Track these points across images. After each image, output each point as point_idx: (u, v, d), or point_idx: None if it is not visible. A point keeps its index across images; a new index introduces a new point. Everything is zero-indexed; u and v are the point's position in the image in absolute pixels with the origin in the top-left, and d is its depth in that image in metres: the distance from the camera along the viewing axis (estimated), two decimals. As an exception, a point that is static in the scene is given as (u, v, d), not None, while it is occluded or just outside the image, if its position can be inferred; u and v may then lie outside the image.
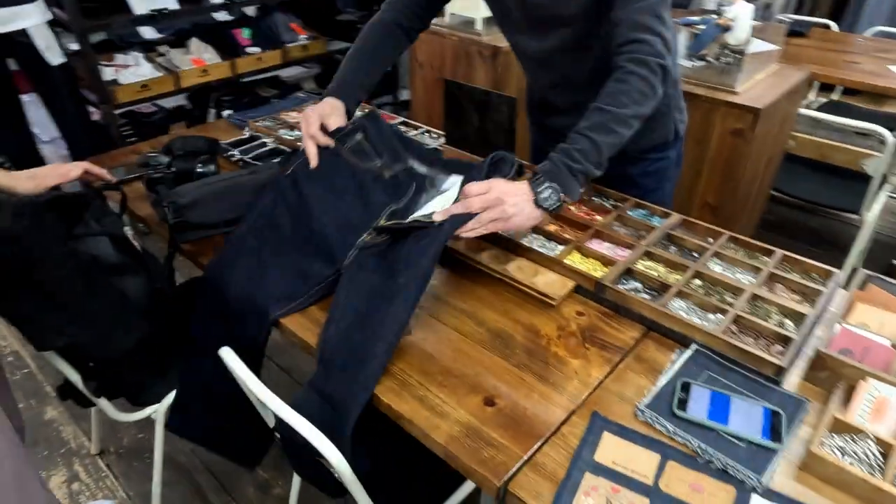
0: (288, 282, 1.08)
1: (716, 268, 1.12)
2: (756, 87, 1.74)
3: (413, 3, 1.32)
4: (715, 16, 1.72)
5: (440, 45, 2.37)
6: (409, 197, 1.16)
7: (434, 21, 1.39)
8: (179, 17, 2.67)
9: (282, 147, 1.58)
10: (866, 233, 2.24)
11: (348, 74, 1.31)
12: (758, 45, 2.03)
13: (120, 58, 2.71)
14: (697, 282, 1.08)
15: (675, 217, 1.24)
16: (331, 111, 1.26)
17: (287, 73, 3.59)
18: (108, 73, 2.60)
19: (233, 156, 1.54)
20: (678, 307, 1.03)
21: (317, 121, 1.22)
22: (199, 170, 1.40)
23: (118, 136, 2.61)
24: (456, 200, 1.08)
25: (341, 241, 1.11)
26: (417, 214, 1.14)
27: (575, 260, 1.15)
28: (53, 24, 2.23)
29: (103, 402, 1.29)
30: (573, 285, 1.09)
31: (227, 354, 0.99)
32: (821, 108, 2.92)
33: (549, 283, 1.09)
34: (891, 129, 2.86)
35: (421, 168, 1.21)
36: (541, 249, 1.16)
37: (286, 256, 1.12)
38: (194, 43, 2.90)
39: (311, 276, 1.08)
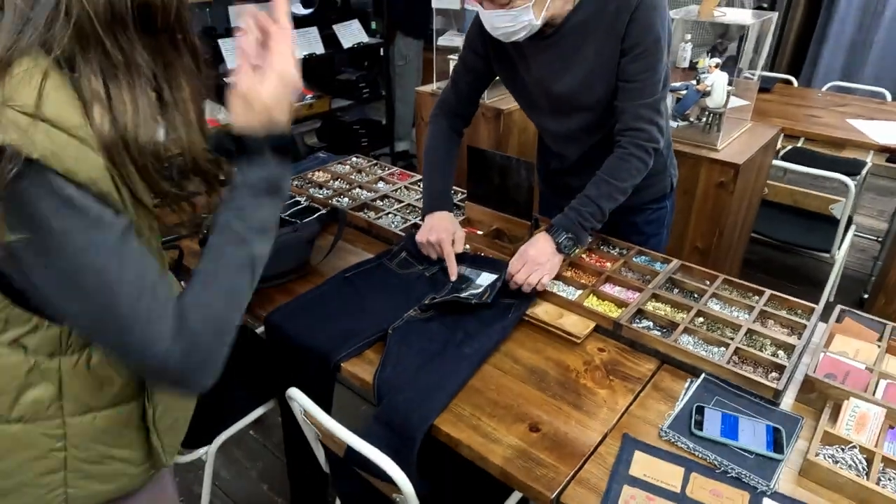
0: (343, 333, 1.22)
1: (715, 307, 1.29)
2: (734, 143, 1.97)
3: (459, 103, 1.54)
4: (695, 82, 1.96)
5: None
6: (448, 289, 1.34)
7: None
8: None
9: (314, 205, 1.74)
10: (837, 270, 2.46)
11: (440, 186, 1.50)
12: (733, 101, 2.28)
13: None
14: (700, 319, 1.25)
15: (675, 262, 1.42)
16: (452, 226, 1.42)
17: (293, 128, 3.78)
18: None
19: (271, 214, 1.69)
20: (686, 342, 1.19)
21: (450, 238, 1.39)
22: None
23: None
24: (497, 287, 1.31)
25: (391, 314, 1.27)
26: (457, 295, 1.32)
27: (593, 302, 1.31)
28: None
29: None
30: (594, 325, 1.25)
31: (296, 393, 1.12)
32: (787, 153, 3.21)
33: (573, 323, 1.25)
34: (851, 174, 3.15)
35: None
36: (561, 294, 1.33)
37: (339, 321, 1.27)
38: (207, 104, 3.06)
39: (359, 332, 1.23)
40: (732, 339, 1.17)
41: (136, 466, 0.84)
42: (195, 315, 0.71)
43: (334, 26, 3.47)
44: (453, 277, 1.37)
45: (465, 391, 1.10)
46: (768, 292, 1.31)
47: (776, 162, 2.27)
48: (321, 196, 1.79)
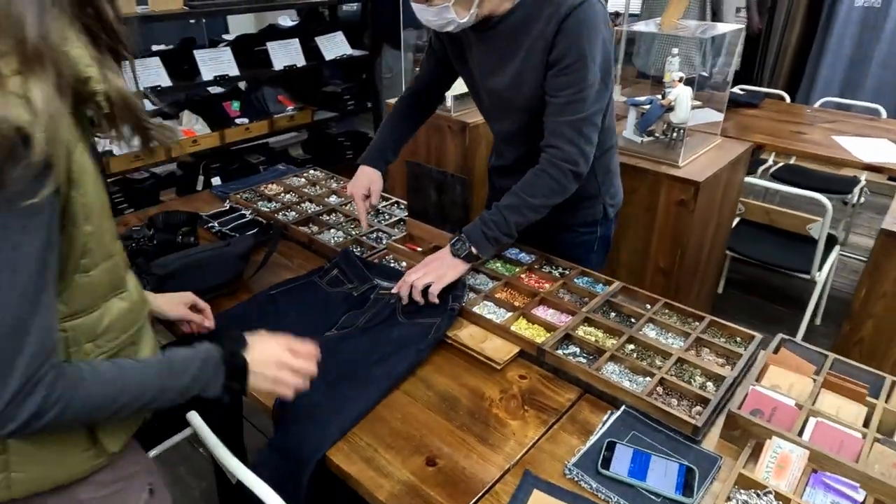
0: None
1: (650, 333, 1.22)
2: (698, 160, 1.90)
3: (423, 85, 1.60)
4: (660, 97, 1.89)
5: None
6: (372, 306, 1.29)
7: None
8: (172, 93, 2.84)
9: (258, 219, 1.70)
10: (817, 292, 2.36)
11: (378, 143, 1.59)
12: (706, 116, 2.21)
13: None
14: (631, 346, 1.18)
15: (615, 284, 1.35)
16: (368, 181, 1.53)
17: (275, 139, 3.78)
18: (103, 144, 2.75)
19: (213, 227, 1.66)
20: (611, 371, 1.12)
21: (362, 191, 1.51)
22: (179, 241, 1.52)
23: (111, 205, 2.72)
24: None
25: (308, 334, 1.21)
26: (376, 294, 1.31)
27: (521, 326, 1.24)
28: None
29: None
30: (517, 350, 1.18)
31: (194, 418, 1.06)
32: (778, 171, 3.12)
33: (496, 348, 1.19)
34: (843, 192, 3.05)
35: (384, 283, 1.36)
36: (490, 316, 1.26)
37: None
38: (186, 115, 3.07)
39: None
40: (660, 367, 1.10)
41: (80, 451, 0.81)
42: (69, 393, 0.70)
43: (317, 38, 3.46)
44: (363, 225, 1.54)
45: (368, 419, 1.04)
46: (708, 318, 1.24)
47: (748, 179, 2.18)
48: (267, 210, 1.75)
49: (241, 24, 4.45)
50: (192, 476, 1.94)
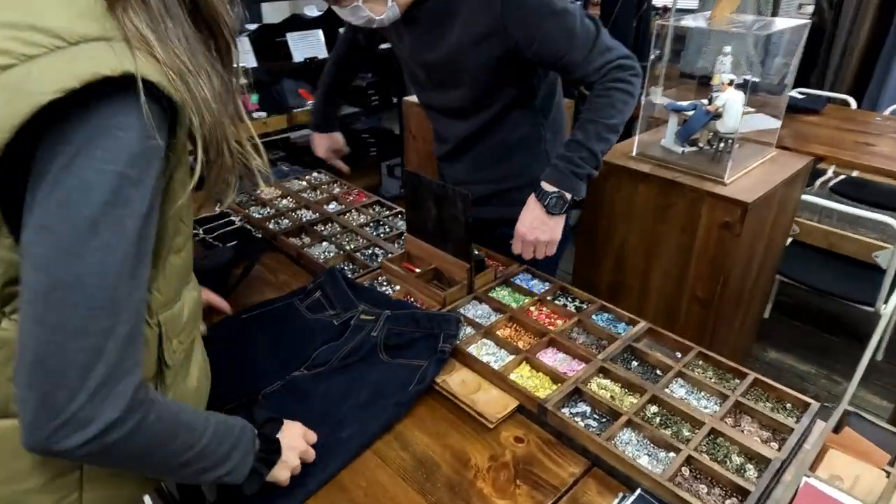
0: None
1: (679, 391, 1.01)
2: (748, 176, 1.65)
3: (347, 46, 1.72)
4: (705, 101, 1.66)
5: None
6: (351, 337, 1.12)
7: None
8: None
9: (247, 227, 1.55)
10: (882, 325, 2.08)
11: (319, 104, 1.80)
12: (758, 122, 1.95)
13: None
14: (654, 409, 0.97)
15: (641, 326, 1.14)
16: (328, 141, 1.80)
17: (297, 135, 3.65)
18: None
19: (196, 234, 1.51)
20: (626, 440, 0.92)
21: (328, 153, 1.81)
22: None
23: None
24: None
25: (274, 371, 1.05)
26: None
27: (523, 374, 1.05)
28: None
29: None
30: (514, 406, 0.99)
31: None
32: (838, 185, 2.80)
33: (490, 401, 1.00)
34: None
35: (369, 313, 1.17)
36: (487, 359, 1.08)
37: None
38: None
39: (226, 394, 1.01)
40: (688, 441, 0.89)
41: None
42: (147, 404, 0.60)
43: (342, 30, 3.30)
44: (345, 170, 1.78)
45: (327, 486, 0.87)
46: (751, 376, 1.02)
47: (806, 197, 1.92)
48: (259, 216, 1.60)
49: (277, 11, 4.30)
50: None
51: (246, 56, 2.89)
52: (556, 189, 1.22)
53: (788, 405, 0.98)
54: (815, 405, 0.96)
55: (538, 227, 1.25)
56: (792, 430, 0.91)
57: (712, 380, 1.03)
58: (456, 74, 1.33)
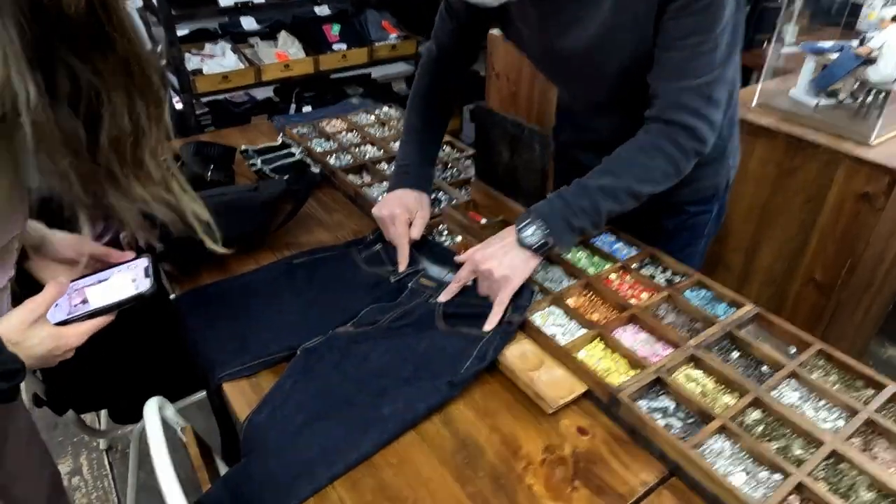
0: (242, 342, 0.93)
1: (790, 396, 0.81)
2: (902, 138, 1.34)
3: (449, 39, 1.16)
4: (854, 43, 1.35)
5: (518, 56, 2.13)
6: (407, 301, 0.99)
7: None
8: (265, 10, 2.64)
9: (307, 160, 1.44)
10: None
11: (415, 156, 1.17)
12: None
13: (208, 47, 2.74)
14: (756, 415, 0.78)
15: (747, 309, 0.94)
16: (415, 204, 1.11)
17: (378, 71, 3.50)
18: (194, 62, 2.64)
19: (254, 164, 1.42)
20: (718, 450, 0.74)
21: (404, 217, 1.08)
22: (209, 178, 1.31)
23: (196, 125, 2.63)
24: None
25: (318, 324, 0.94)
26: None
27: (594, 353, 0.89)
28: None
29: (70, 415, 1.21)
30: (581, 391, 0.83)
31: (149, 409, 0.84)
32: None
33: (552, 382, 0.84)
34: None
35: (433, 270, 1.06)
36: (554, 330, 0.91)
37: (248, 324, 0.97)
38: (282, 36, 2.87)
39: (263, 345, 0.92)
40: (799, 463, 0.71)
41: None
42: None
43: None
44: (402, 268, 1.05)
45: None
46: (891, 387, 0.80)
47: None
48: (320, 150, 1.49)
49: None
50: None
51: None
52: (541, 223, 0.93)
53: (940, 431, 0.76)
54: (980, 437, 0.73)
55: (499, 257, 0.93)
56: (945, 466, 0.70)
57: (836, 386, 0.83)
58: (602, 67, 0.99)
